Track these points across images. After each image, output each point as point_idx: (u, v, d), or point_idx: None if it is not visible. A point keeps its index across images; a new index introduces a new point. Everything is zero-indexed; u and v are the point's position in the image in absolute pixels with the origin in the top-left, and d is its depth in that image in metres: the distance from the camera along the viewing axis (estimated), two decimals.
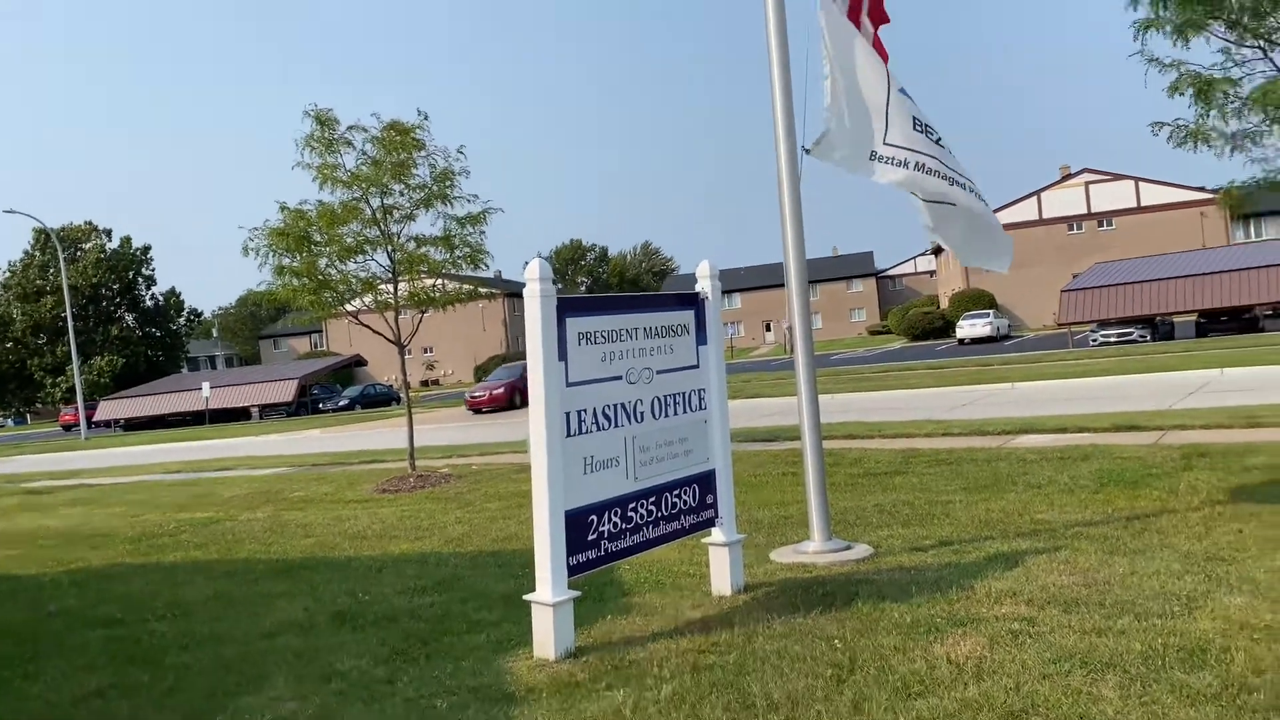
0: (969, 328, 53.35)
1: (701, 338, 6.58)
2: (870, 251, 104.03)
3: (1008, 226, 9.56)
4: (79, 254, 73.39)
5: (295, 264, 13.79)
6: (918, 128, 7.62)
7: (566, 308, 5.60)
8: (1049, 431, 13.11)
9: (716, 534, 6.58)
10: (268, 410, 54.93)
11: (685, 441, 6.36)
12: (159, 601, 7.94)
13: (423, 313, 15.22)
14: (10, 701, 5.75)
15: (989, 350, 43.35)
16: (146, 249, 77.31)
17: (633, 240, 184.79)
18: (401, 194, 14.19)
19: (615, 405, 5.87)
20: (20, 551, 11.36)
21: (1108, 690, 4.31)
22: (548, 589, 5.41)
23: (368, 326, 15.01)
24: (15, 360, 71.09)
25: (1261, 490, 8.37)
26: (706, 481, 6.52)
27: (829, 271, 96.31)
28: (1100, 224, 64.29)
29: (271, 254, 13.70)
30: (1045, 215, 64.50)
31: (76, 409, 51.57)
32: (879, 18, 8.11)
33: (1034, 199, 65.12)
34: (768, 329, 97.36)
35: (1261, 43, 9.35)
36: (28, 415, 79.76)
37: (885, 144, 7.53)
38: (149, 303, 77.78)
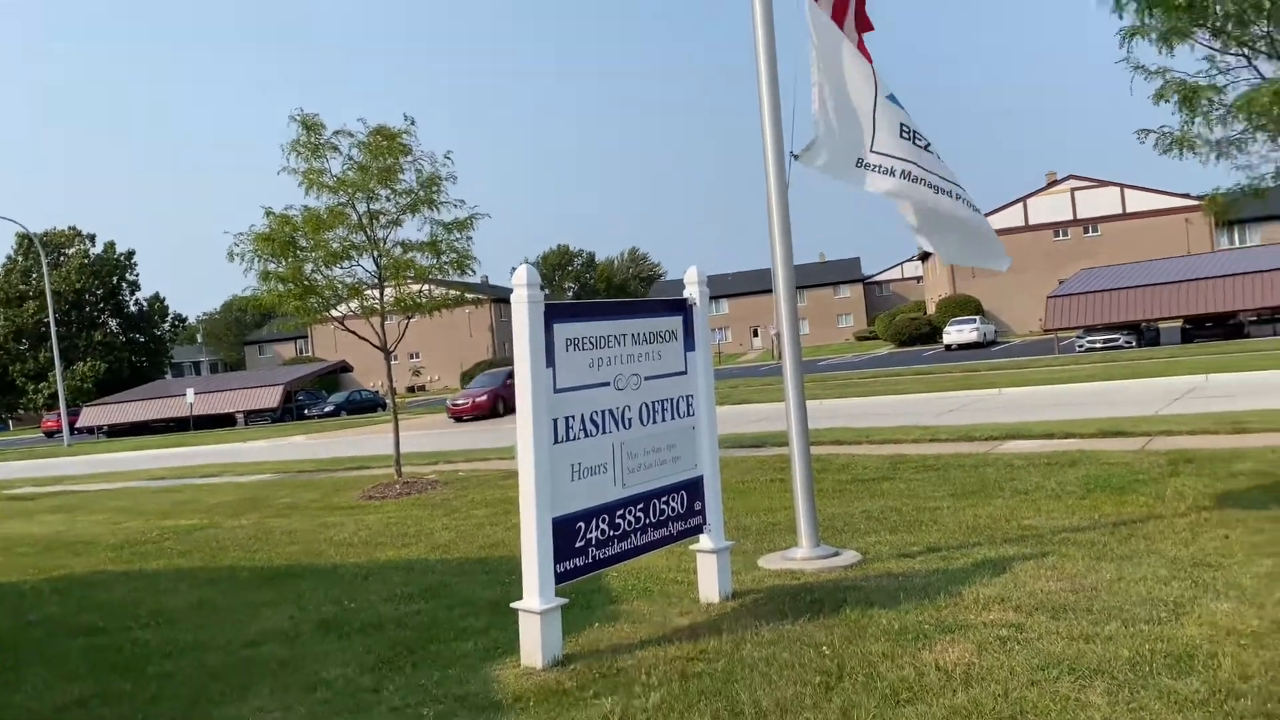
0: (956, 333, 53.59)
1: (689, 344, 6.56)
2: (857, 257, 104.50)
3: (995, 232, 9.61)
4: (62, 259, 73.04)
5: (281, 269, 13.73)
6: (904, 134, 7.63)
7: (554, 314, 5.58)
8: (1036, 437, 13.14)
9: (704, 541, 6.56)
10: (253, 416, 54.60)
11: (673, 448, 6.34)
12: (142, 609, 7.87)
13: (409, 318, 15.16)
14: None
15: (976, 356, 43.53)
16: (130, 254, 77.05)
17: (620, 246, 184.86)
18: (388, 199, 14.15)
19: (603, 411, 5.85)
20: (0, 559, 11.25)
21: (1096, 696, 4.31)
22: (535, 596, 5.38)
23: (353, 332, 14.96)
24: None
25: (1247, 496, 8.40)
26: (694, 488, 6.50)
27: (816, 277, 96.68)
28: (1086, 230, 64.69)
29: (257, 259, 13.63)
30: (1032, 221, 64.88)
31: (59, 415, 51.19)
32: (863, 25, 8.13)
33: (1020, 205, 65.51)
34: (755, 335, 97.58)
35: (1245, 50, 9.42)
36: (10, 421, 79.25)
37: (872, 151, 7.54)
38: (133, 308, 77.44)
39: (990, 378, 27.07)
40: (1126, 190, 64.24)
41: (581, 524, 5.65)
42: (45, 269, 52.99)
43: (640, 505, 6.05)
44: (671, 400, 6.37)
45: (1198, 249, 58.21)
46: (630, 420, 6.03)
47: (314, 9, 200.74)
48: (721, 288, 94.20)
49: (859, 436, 14.89)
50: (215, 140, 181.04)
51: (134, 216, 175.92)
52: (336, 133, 13.91)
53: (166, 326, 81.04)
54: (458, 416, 34.04)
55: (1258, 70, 9.38)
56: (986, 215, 8.40)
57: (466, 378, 67.64)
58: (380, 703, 5.11)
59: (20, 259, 72.15)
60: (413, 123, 14.14)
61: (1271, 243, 53.05)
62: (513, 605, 5.54)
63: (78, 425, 54.86)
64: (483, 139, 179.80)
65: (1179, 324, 41.90)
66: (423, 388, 79.49)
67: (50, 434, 58.01)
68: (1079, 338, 41.64)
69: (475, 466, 16.25)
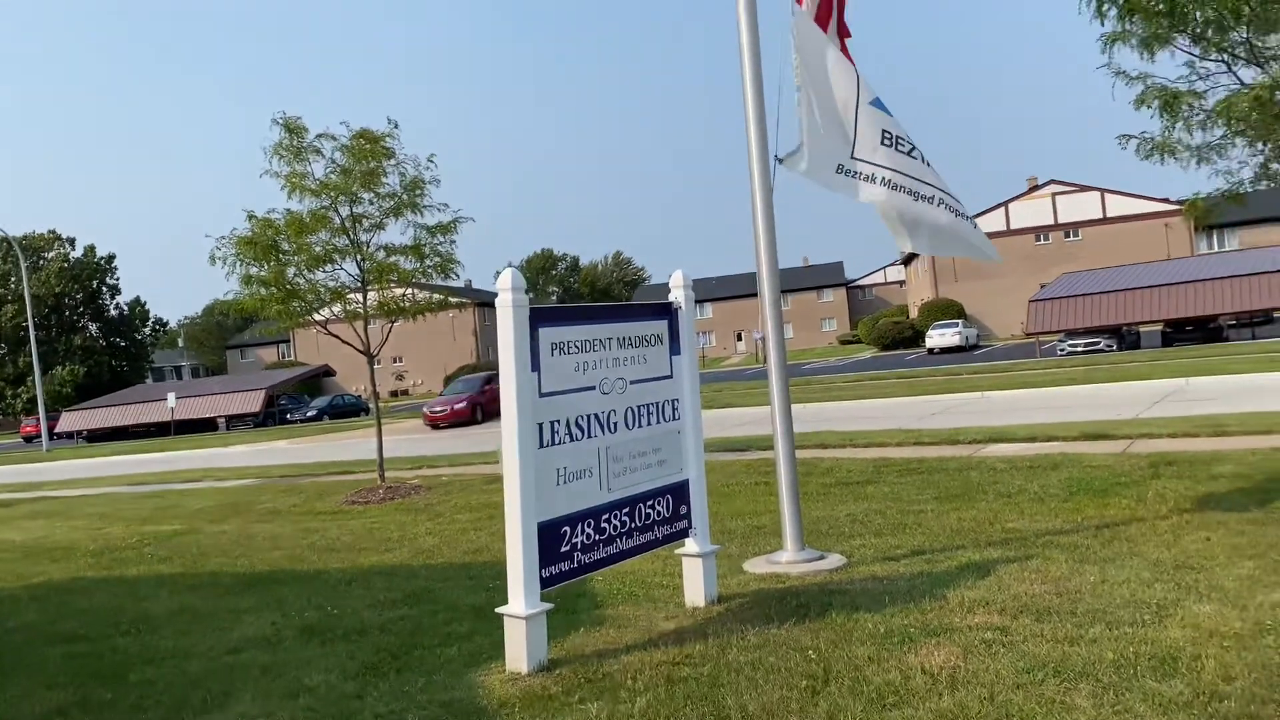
0: (938, 337, 53.78)
1: (675, 348, 6.55)
2: (840, 261, 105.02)
3: None
4: (42, 263, 72.45)
5: (263, 273, 13.65)
6: (886, 141, 7.65)
7: (539, 318, 5.56)
8: (1019, 440, 13.20)
9: (690, 545, 6.55)
10: (235, 421, 54.28)
11: (659, 452, 6.33)
12: (122, 616, 7.80)
13: (392, 322, 15.10)
14: None
15: (958, 360, 43.71)
16: (111, 258, 76.50)
17: (604, 250, 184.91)
18: (371, 202, 14.10)
19: (588, 416, 5.83)
20: None
21: (1081, 699, 4.32)
22: (520, 601, 5.35)
23: (336, 336, 14.88)
24: None
25: (1228, 498, 8.46)
26: (680, 492, 6.49)
27: (800, 281, 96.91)
28: (1067, 235, 65.05)
29: (239, 263, 13.55)
30: (1013, 226, 65.17)
31: (38, 420, 50.74)
32: (843, 31, 8.14)
33: (1002, 210, 65.81)
34: (739, 339, 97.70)
35: (1225, 56, 9.49)
36: None
37: (853, 158, 7.56)
38: (113, 312, 76.88)
39: (973, 381, 27.20)
40: (1107, 195, 64.66)
41: (567, 528, 5.63)
42: (24, 273, 52.52)
43: (626, 509, 6.04)
44: (657, 404, 6.36)
45: (1178, 253, 58.66)
46: (616, 424, 6.01)
47: (299, 11, 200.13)
48: (706, 291, 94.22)
49: (843, 440, 14.92)
50: (197, 143, 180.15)
51: (115, 220, 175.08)
52: (319, 136, 13.87)
53: (147, 331, 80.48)
54: (435, 424, 31.89)
55: (1237, 76, 9.46)
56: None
57: (449, 382, 67.52)
58: (364, 709, 5.08)
59: None
60: (396, 126, 14.13)
61: (1250, 247, 53.50)
62: (498, 610, 5.51)
63: (57, 430, 54.39)
64: (466, 142, 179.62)
65: (1159, 328, 42.21)
66: (406, 392, 79.20)
67: (29, 439, 57.49)
68: (1060, 341, 41.90)
69: (459, 471, 16.19)
